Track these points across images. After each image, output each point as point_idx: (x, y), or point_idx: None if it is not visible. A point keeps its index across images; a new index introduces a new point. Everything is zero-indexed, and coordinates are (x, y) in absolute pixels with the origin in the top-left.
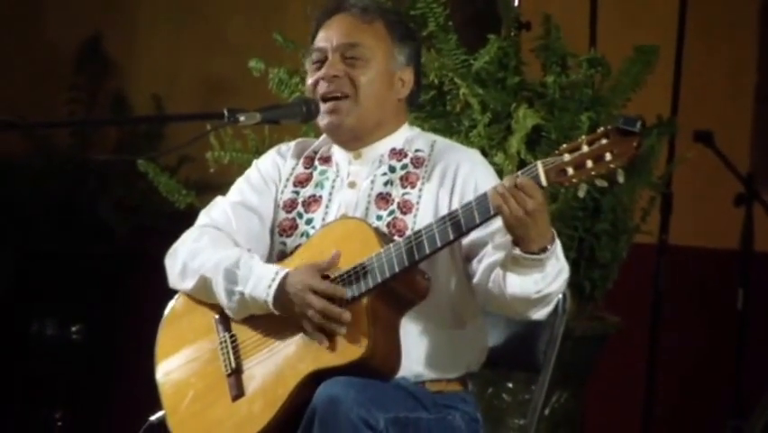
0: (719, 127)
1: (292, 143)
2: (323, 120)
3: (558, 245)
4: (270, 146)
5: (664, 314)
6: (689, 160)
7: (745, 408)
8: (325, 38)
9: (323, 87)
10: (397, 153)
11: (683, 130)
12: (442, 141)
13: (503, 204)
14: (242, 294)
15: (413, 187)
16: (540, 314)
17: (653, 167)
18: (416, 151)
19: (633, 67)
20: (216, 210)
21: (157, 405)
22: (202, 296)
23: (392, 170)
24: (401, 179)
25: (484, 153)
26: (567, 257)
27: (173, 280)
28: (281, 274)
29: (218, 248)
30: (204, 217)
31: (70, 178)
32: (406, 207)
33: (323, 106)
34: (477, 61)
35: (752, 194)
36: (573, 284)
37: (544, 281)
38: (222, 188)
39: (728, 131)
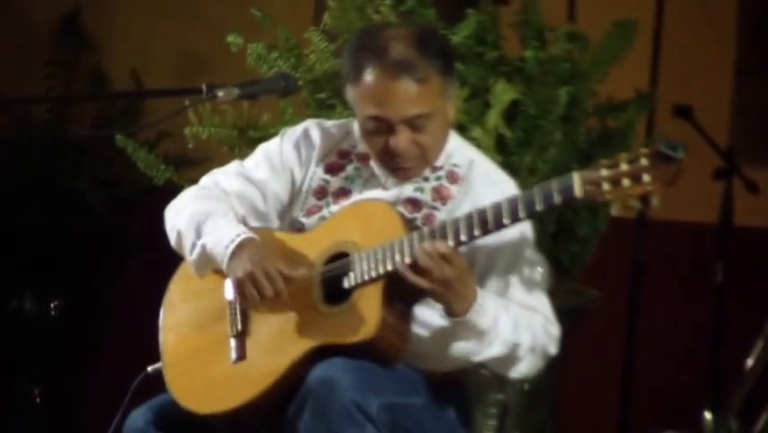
0: (699, 102)
1: (327, 124)
2: (384, 166)
3: (483, 312)
4: (249, 122)
5: (643, 288)
6: (667, 134)
7: (725, 381)
8: (388, 107)
9: (390, 158)
10: (435, 168)
11: (662, 104)
12: (479, 162)
13: (419, 279)
14: (203, 247)
15: (443, 203)
16: (509, 373)
17: (632, 141)
18: (453, 165)
19: (612, 41)
20: (224, 176)
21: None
22: (180, 251)
23: (425, 179)
24: (433, 189)
25: (462, 128)
26: (546, 231)
27: (168, 233)
28: (242, 237)
29: (200, 206)
30: (209, 178)
31: (48, 153)
32: (428, 221)
33: (386, 163)
34: (455, 36)
35: (731, 168)
36: (552, 258)
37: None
38: (201, 163)
39: (708, 105)
